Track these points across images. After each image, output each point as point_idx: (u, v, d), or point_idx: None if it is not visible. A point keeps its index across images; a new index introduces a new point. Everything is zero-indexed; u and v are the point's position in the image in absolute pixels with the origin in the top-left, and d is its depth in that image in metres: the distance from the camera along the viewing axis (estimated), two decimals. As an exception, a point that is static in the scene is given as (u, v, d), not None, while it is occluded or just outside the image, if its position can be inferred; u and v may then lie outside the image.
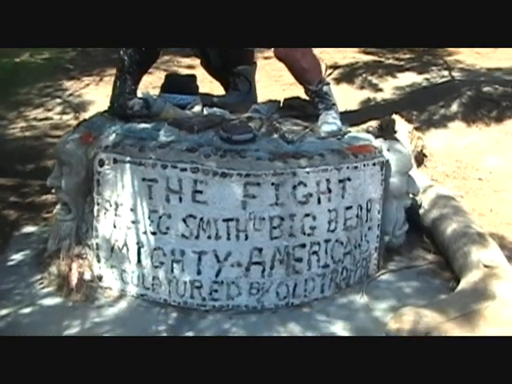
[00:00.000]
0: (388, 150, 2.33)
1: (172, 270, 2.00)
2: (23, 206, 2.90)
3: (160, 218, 1.97)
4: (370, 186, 2.19)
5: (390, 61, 4.75)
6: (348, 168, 2.08)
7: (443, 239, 2.39)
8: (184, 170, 1.92)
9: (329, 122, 2.37)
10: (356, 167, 2.11)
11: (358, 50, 5.13)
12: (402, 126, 3.38)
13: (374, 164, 2.18)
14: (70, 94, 4.54)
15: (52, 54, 5.38)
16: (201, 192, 1.93)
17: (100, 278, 2.15)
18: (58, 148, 2.16)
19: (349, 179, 2.08)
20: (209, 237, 1.95)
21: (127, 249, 2.05)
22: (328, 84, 2.46)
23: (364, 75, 4.52)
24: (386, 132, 3.45)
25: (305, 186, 1.98)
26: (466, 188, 3.14)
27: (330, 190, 2.03)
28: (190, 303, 2.02)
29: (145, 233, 2.01)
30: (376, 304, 2.12)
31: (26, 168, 3.40)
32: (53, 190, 2.24)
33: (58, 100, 4.45)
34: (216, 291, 2.00)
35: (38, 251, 2.43)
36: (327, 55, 5.09)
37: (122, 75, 2.24)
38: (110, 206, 2.05)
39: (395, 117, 3.44)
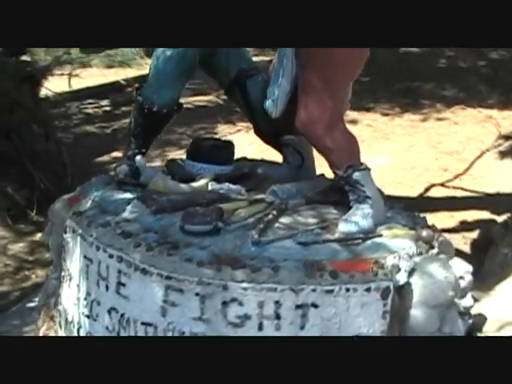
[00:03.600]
0: (411, 271, 1.73)
1: (98, 363, 1.78)
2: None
3: (92, 302, 1.78)
4: (360, 318, 1.64)
5: None
6: (314, 291, 1.58)
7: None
8: (111, 256, 1.69)
9: (349, 221, 1.88)
10: (330, 291, 1.60)
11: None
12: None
13: (367, 289, 1.63)
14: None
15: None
16: (124, 285, 1.67)
17: (61, 347, 2.04)
18: (51, 206, 2.13)
19: (314, 306, 1.58)
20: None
21: (73, 325, 1.91)
22: (364, 169, 1.94)
23: (538, 152, 3.62)
24: (510, 231, 2.69)
25: (240, 304, 1.56)
26: None
27: (278, 316, 1.57)
28: (112, 404, 1.77)
29: (83, 314, 1.83)
30: None
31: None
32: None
33: (203, 143, 4.55)
34: (134, 401, 1.71)
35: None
36: (508, 121, 4.25)
37: (128, 137, 2.12)
38: (67, 276, 1.93)
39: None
